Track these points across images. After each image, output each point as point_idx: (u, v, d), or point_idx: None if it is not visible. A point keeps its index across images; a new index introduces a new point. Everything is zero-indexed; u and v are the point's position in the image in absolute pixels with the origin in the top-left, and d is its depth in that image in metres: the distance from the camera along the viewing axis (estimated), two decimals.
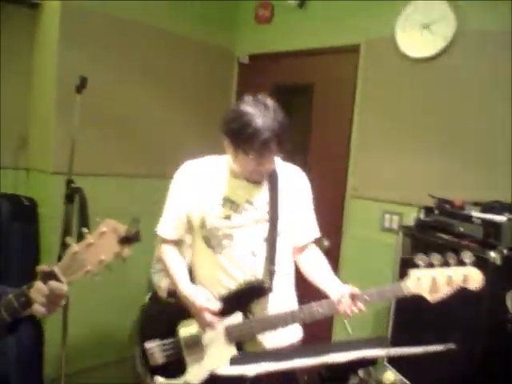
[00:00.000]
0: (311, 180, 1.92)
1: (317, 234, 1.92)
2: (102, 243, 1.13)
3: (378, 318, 2.93)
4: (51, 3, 2.93)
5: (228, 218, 1.73)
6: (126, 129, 3.24)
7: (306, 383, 2.19)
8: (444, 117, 2.85)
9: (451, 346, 1.40)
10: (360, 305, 1.63)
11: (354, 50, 3.25)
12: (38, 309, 1.15)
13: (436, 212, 2.53)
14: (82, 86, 2.54)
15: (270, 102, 1.62)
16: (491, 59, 2.69)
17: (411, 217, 2.72)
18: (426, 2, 2.87)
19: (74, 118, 2.59)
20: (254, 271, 1.74)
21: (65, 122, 2.68)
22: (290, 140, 1.63)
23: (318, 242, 1.95)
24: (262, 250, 1.75)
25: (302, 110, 3.56)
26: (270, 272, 1.73)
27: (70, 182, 2.58)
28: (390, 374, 2.43)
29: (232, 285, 1.75)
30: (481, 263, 1.60)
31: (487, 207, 2.38)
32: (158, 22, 3.33)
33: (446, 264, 1.55)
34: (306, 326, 1.86)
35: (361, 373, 2.55)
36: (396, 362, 2.45)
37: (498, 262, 2.05)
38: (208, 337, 1.73)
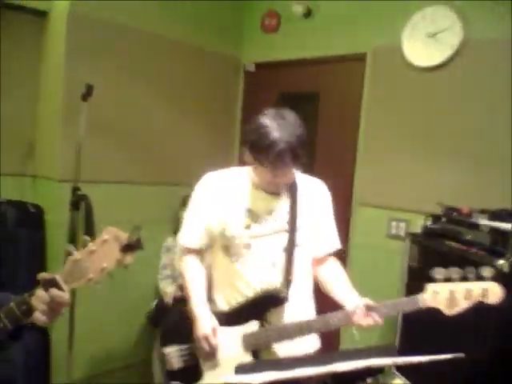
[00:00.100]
0: None
1: (337, 245, 1.90)
2: (103, 251, 1.12)
3: (386, 325, 2.90)
4: (58, 12, 2.96)
5: (248, 227, 1.75)
6: (132, 136, 3.25)
7: None
8: (450, 125, 2.85)
9: (461, 355, 1.38)
10: (375, 316, 1.62)
11: (360, 58, 3.26)
12: (38, 317, 1.14)
13: (443, 219, 2.53)
14: (88, 93, 2.56)
15: (290, 115, 1.64)
16: (498, 68, 2.69)
17: (418, 224, 2.72)
18: (432, 11, 2.87)
19: (81, 126, 2.60)
20: (271, 280, 1.74)
21: (71, 130, 2.69)
22: (307, 154, 1.62)
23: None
24: (281, 260, 1.75)
25: (308, 119, 3.50)
26: (287, 281, 1.73)
27: (75, 189, 2.59)
28: (399, 382, 2.41)
29: (249, 292, 1.75)
30: None
31: (495, 215, 2.37)
32: (166, 32, 3.36)
33: (464, 278, 1.53)
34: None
35: (369, 380, 2.52)
36: (405, 370, 2.42)
37: (506, 269, 2.04)
38: (224, 344, 1.72)
